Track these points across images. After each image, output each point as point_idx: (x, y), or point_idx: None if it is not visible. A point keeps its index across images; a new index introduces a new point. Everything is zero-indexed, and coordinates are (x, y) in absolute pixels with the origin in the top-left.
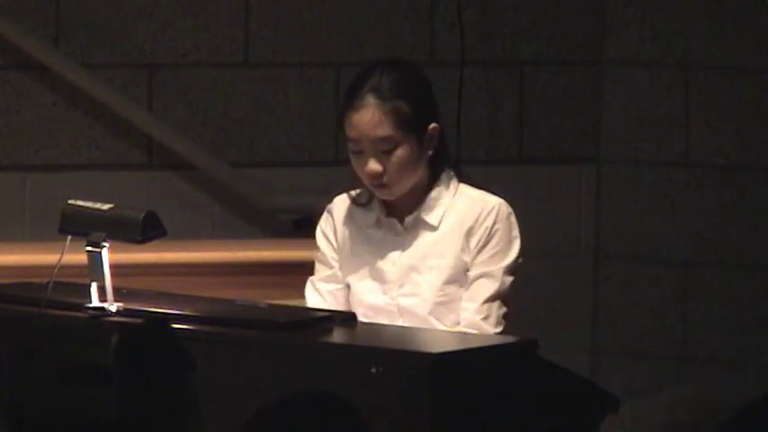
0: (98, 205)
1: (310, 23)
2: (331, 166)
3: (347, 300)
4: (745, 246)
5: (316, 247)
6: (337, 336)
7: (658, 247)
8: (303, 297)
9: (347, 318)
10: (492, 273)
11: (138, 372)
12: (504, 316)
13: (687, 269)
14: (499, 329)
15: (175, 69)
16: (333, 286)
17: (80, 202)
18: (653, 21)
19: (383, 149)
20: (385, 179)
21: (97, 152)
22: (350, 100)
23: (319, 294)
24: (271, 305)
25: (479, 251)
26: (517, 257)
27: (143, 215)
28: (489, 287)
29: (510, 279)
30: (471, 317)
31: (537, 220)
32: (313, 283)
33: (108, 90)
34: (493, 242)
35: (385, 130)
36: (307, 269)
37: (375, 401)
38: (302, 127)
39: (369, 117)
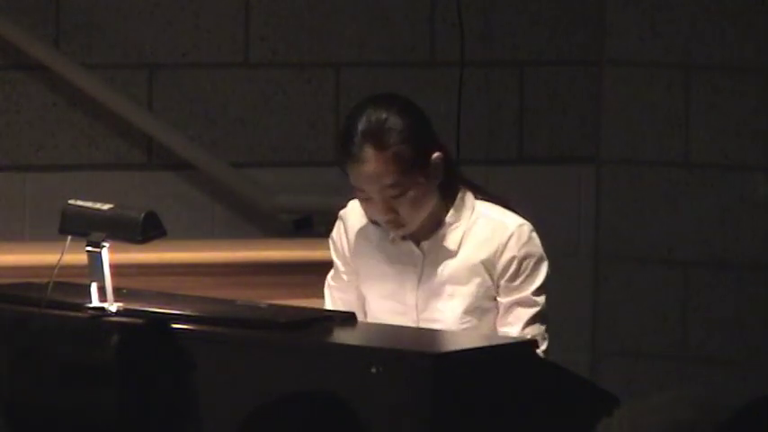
0: (98, 205)
1: (310, 23)
2: (331, 166)
3: (362, 305)
4: (745, 246)
5: (320, 248)
6: (337, 336)
7: (658, 247)
8: (303, 297)
9: (347, 318)
10: (527, 299)
11: (138, 372)
12: (547, 330)
13: (687, 269)
14: (544, 347)
15: (175, 69)
16: (346, 296)
17: (80, 202)
18: (653, 21)
19: (392, 195)
20: (401, 221)
21: (97, 152)
22: (347, 150)
23: (333, 300)
24: (271, 305)
25: (509, 280)
26: (547, 275)
27: (143, 215)
28: (527, 313)
29: (543, 298)
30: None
31: (537, 220)
32: (330, 287)
33: (108, 90)
34: (522, 268)
35: (389, 178)
36: (307, 269)
37: (375, 401)
38: (302, 127)
39: (372, 169)
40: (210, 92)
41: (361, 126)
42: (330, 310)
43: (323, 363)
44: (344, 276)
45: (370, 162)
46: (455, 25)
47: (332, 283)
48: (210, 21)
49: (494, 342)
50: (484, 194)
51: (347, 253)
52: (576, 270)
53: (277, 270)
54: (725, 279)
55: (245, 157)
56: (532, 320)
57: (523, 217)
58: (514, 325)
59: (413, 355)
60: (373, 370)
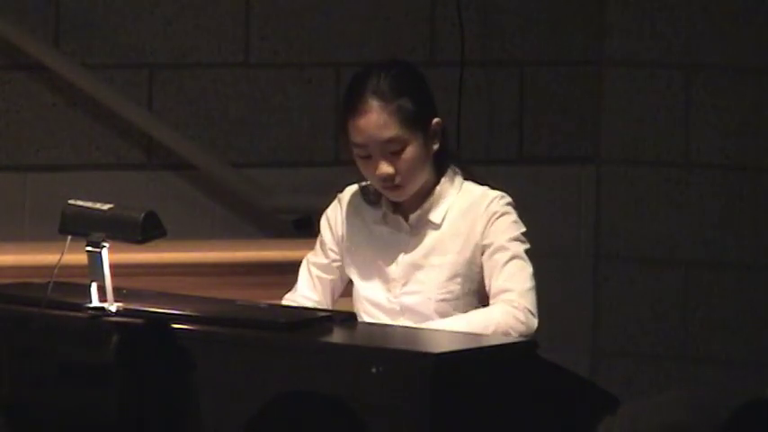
0: (98, 205)
1: (310, 23)
2: (331, 166)
3: (333, 292)
4: (745, 246)
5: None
6: (337, 336)
7: (658, 247)
8: None
9: (347, 318)
10: (502, 245)
11: (138, 372)
12: (532, 275)
13: (687, 269)
14: (528, 285)
15: (175, 69)
16: (324, 275)
17: (80, 202)
18: (653, 21)
19: (392, 150)
20: (398, 180)
21: (97, 152)
22: (352, 105)
23: (310, 276)
24: (271, 305)
25: (487, 236)
26: (524, 233)
27: (143, 215)
28: (503, 257)
29: (523, 246)
30: (495, 285)
31: (537, 220)
32: (308, 262)
33: (108, 90)
34: (497, 222)
35: (392, 130)
36: None
37: (375, 401)
38: (302, 127)
39: (375, 120)
40: (210, 92)
41: (366, 82)
42: (330, 310)
43: (323, 363)
44: (330, 253)
45: (373, 113)
46: (455, 25)
47: (312, 258)
48: (210, 21)
49: (494, 342)
50: (472, 177)
51: (340, 230)
52: (576, 270)
53: (277, 270)
54: (725, 279)
55: (245, 157)
56: (508, 261)
57: (522, 219)
58: (492, 273)
59: (413, 355)
60: (373, 370)
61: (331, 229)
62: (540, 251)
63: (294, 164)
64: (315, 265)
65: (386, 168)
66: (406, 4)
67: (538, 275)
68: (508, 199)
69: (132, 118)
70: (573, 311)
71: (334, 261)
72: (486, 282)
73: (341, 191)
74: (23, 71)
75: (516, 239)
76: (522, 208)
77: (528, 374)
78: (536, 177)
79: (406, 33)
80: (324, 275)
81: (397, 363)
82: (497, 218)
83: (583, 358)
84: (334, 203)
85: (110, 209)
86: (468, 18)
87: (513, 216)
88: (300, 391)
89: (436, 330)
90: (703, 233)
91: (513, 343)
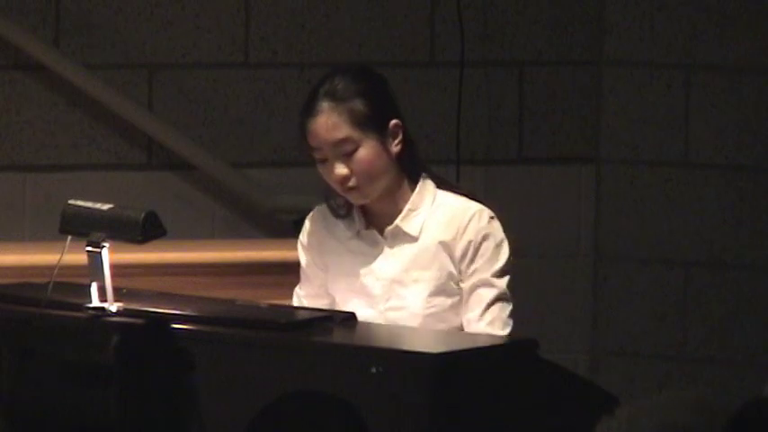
0: (98, 205)
1: (310, 23)
2: None
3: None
4: (745, 246)
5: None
6: (337, 336)
7: (658, 247)
8: None
9: (347, 318)
10: (486, 280)
11: (138, 372)
12: (510, 315)
13: (687, 269)
14: (507, 330)
15: (175, 69)
16: (318, 302)
17: (80, 202)
18: (653, 21)
19: (344, 152)
20: (352, 182)
21: (97, 152)
22: (305, 108)
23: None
24: (271, 305)
25: (468, 264)
26: (508, 259)
27: (143, 215)
28: (487, 295)
29: (505, 280)
30: (476, 326)
31: (537, 220)
32: (298, 297)
33: (108, 90)
34: (480, 252)
35: (342, 131)
36: None
37: (375, 401)
38: None
39: (324, 121)
40: (210, 92)
41: (321, 86)
42: (330, 310)
43: (323, 363)
44: (314, 280)
45: (324, 115)
46: (455, 25)
47: (301, 292)
48: (210, 21)
49: (494, 342)
50: (447, 185)
51: (316, 252)
52: (576, 270)
53: (277, 270)
54: (725, 279)
55: (245, 157)
56: (493, 302)
57: (519, 216)
58: (475, 309)
59: (413, 355)
60: (373, 370)
61: (307, 253)
62: (540, 251)
63: (294, 164)
64: (306, 296)
65: (340, 170)
66: (406, 4)
67: (538, 275)
68: (489, 212)
69: (132, 118)
70: (573, 311)
71: (322, 285)
72: (464, 310)
73: (312, 210)
74: (23, 71)
75: (501, 272)
76: (522, 208)
77: (528, 374)
78: (536, 177)
79: (406, 33)
80: (317, 302)
81: (397, 363)
82: (481, 241)
83: (583, 358)
84: (305, 227)
85: (110, 209)
86: (468, 18)
87: (497, 236)
88: (300, 391)
89: (436, 330)
90: (703, 233)
91: (513, 343)
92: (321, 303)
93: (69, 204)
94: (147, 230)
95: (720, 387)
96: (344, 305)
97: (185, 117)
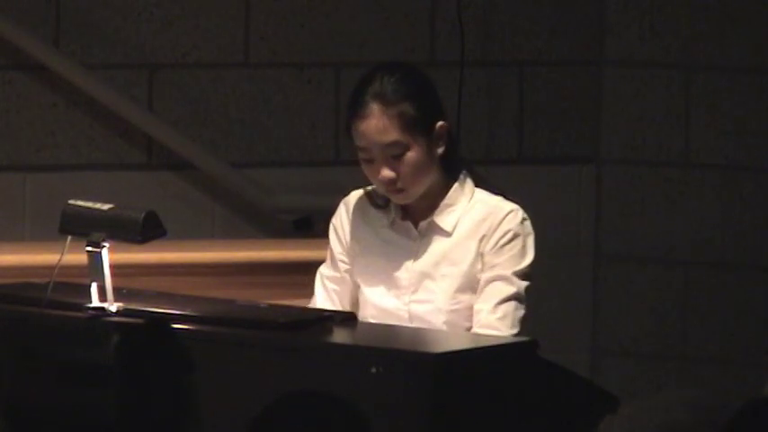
0: (98, 205)
1: (310, 23)
2: (331, 166)
3: (351, 302)
4: (745, 246)
5: (319, 248)
6: (337, 336)
7: (658, 247)
8: (303, 297)
9: (347, 318)
10: (507, 276)
11: (138, 372)
12: (522, 319)
13: (687, 269)
14: (515, 331)
15: (175, 69)
16: (339, 288)
17: (80, 202)
18: (653, 21)
19: (393, 154)
20: (399, 184)
21: (97, 152)
22: (354, 109)
23: (326, 291)
24: (271, 305)
25: (493, 256)
26: (532, 263)
27: (143, 215)
28: (504, 290)
29: (525, 284)
30: (486, 317)
31: (537, 220)
32: (322, 276)
33: (108, 90)
34: (507, 248)
35: (392, 135)
36: (307, 269)
37: (375, 401)
38: (302, 127)
39: (375, 124)
40: (210, 92)
41: (368, 86)
42: (330, 310)
43: (323, 363)
44: (340, 264)
45: (374, 117)
46: (455, 25)
47: (325, 272)
48: (210, 21)
49: (494, 342)
50: (485, 184)
51: (347, 236)
52: (576, 270)
53: (277, 270)
54: (725, 279)
55: (245, 157)
56: (508, 299)
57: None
58: (489, 301)
59: (413, 355)
60: (373, 370)
61: (338, 237)
62: (540, 251)
63: (294, 164)
64: (329, 279)
65: (387, 173)
66: (406, 4)
67: (538, 275)
68: (523, 213)
69: (132, 118)
70: (573, 311)
71: (347, 272)
72: (477, 299)
73: (346, 194)
74: (23, 71)
75: (523, 274)
76: (522, 208)
77: (528, 374)
78: (536, 177)
79: (406, 33)
80: (339, 288)
81: (397, 363)
82: (510, 239)
83: (583, 358)
84: (339, 209)
85: (110, 209)
86: (468, 18)
87: (527, 238)
88: (300, 391)
89: (436, 330)
90: (703, 233)
91: (513, 343)
92: (342, 289)
93: (69, 204)
94: (147, 230)
95: (720, 387)
96: (369, 292)
97: (185, 117)
